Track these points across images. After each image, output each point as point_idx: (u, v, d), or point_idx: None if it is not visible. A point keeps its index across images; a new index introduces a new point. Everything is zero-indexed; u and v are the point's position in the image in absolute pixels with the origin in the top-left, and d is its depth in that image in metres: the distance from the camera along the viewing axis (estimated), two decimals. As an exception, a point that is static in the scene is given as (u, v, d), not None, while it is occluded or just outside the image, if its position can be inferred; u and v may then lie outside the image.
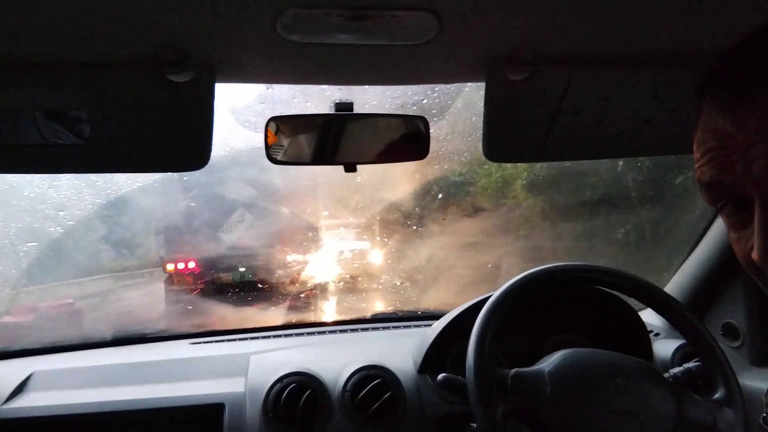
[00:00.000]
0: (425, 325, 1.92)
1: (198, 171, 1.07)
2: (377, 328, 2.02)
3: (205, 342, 1.94)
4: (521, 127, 1.09)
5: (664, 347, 1.70)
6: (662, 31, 0.92)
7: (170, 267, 8.86)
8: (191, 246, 8.73)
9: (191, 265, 8.86)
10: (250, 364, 1.66)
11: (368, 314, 2.23)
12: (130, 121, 0.98)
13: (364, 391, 1.51)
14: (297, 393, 1.50)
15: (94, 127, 0.96)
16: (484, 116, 1.04)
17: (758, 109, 0.54)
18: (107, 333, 2.09)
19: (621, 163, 4.74)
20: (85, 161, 1.04)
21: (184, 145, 1.03)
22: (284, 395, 1.49)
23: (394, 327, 2.02)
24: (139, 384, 1.64)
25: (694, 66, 0.99)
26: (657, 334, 1.81)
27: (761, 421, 0.89)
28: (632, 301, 1.63)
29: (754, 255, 0.55)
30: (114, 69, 0.91)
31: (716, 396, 1.27)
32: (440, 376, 1.34)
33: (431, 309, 2.32)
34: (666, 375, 1.37)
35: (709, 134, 0.59)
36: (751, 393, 1.45)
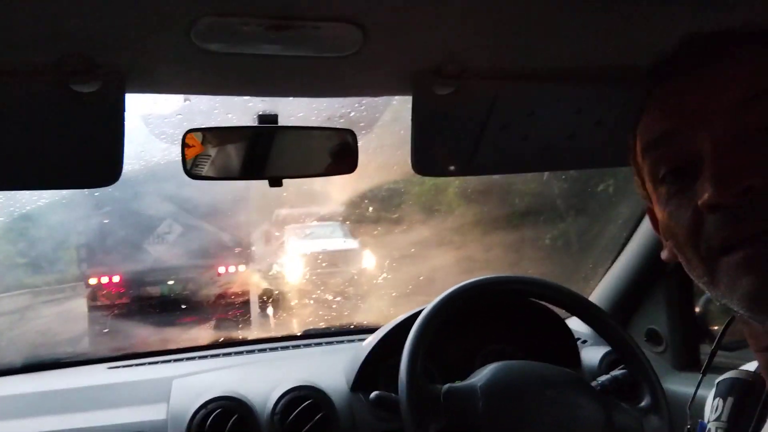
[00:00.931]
0: (358, 341, 1.89)
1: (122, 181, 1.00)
2: (309, 345, 1.96)
3: (124, 366, 1.83)
4: (449, 140, 1.08)
5: (592, 354, 1.74)
6: (585, 49, 0.93)
7: (93, 281, 8.44)
8: (116, 258, 8.35)
9: (115, 279, 8.48)
10: (172, 388, 1.58)
11: (298, 330, 2.18)
12: (32, 135, 0.90)
13: (294, 414, 1.46)
14: (222, 419, 1.43)
15: None
16: (412, 130, 1.03)
17: (712, 79, 0.62)
18: (19, 357, 1.94)
19: (546, 173, 4.90)
20: None
21: (93, 159, 0.96)
22: (209, 422, 1.42)
23: (327, 343, 1.98)
24: (52, 414, 1.53)
25: (615, 83, 1.01)
26: (584, 342, 1.85)
27: None
28: (560, 310, 1.67)
29: (705, 197, 0.57)
30: (13, 78, 0.83)
31: (642, 404, 1.30)
32: (373, 394, 1.31)
33: (364, 323, 2.29)
34: (594, 383, 1.40)
35: (665, 99, 0.66)
36: (676, 397, 1.50)
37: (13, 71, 0.82)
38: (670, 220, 0.65)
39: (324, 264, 7.74)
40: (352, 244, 7.94)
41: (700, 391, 0.89)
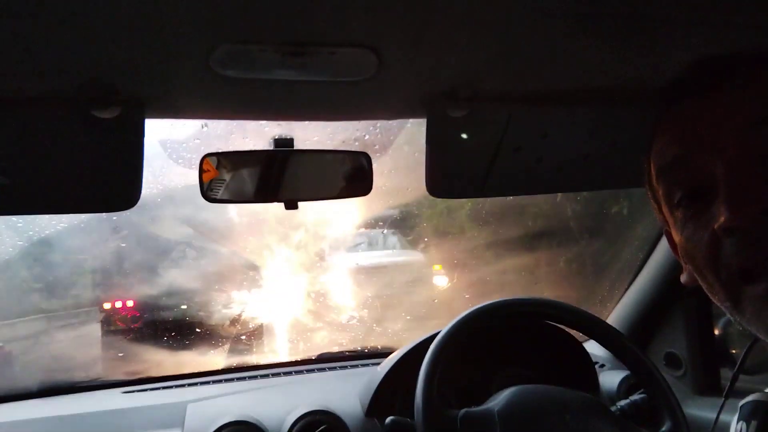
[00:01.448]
0: (373, 365, 1.87)
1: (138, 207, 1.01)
2: (323, 369, 1.95)
3: (139, 390, 1.83)
4: (463, 163, 1.08)
5: (610, 378, 1.71)
6: (598, 70, 0.93)
7: (107, 306, 8.49)
8: (130, 283, 8.39)
9: (129, 304, 8.51)
10: (186, 413, 1.57)
11: (313, 355, 2.17)
12: (53, 160, 0.92)
13: None
14: None
15: (14, 166, 0.90)
16: (426, 153, 1.03)
17: (723, 102, 0.62)
18: (36, 380, 1.95)
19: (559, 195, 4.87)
20: (6, 203, 0.98)
21: (112, 184, 0.97)
22: None
23: (341, 367, 1.96)
24: None
25: (629, 104, 1.01)
26: (602, 366, 1.82)
27: None
28: (577, 333, 1.65)
29: (721, 221, 0.57)
30: (35, 105, 0.85)
31: (663, 429, 1.27)
32: (388, 420, 1.30)
33: (379, 347, 2.27)
34: (613, 408, 1.37)
35: (676, 123, 0.66)
36: (696, 422, 1.47)
37: (35, 98, 0.84)
38: (688, 243, 0.64)
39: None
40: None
41: (722, 416, 0.88)
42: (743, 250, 0.57)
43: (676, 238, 0.68)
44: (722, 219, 0.57)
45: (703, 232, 0.62)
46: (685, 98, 0.66)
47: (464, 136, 1.03)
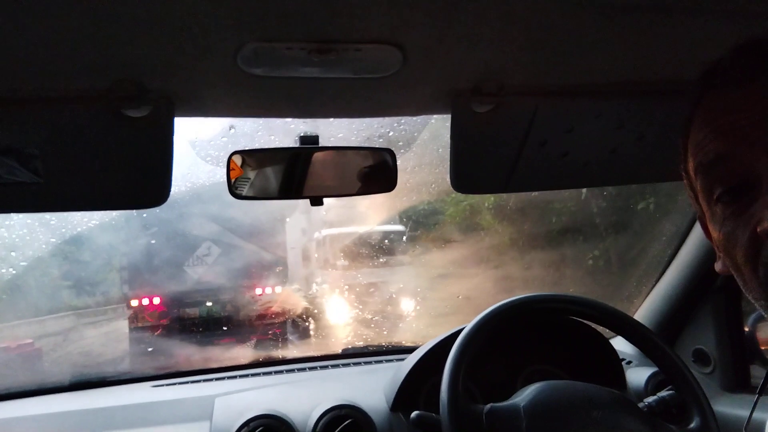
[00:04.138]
0: (397, 360, 1.88)
1: (158, 207, 1.03)
2: (347, 365, 1.96)
3: (167, 384, 1.86)
4: (488, 158, 1.08)
5: (637, 375, 1.69)
6: (625, 63, 0.92)
7: (134, 303, 8.63)
8: (156, 280, 8.55)
9: (156, 301, 8.65)
10: (215, 407, 1.59)
11: (338, 350, 2.18)
12: (85, 158, 0.94)
13: None
14: None
15: (47, 164, 0.92)
16: (451, 148, 1.03)
17: (764, 95, 0.59)
18: (66, 375, 1.99)
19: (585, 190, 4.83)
20: (40, 200, 1.00)
21: (143, 181, 0.99)
22: None
23: (365, 363, 1.97)
24: (98, 431, 1.56)
25: (657, 97, 1.00)
26: (629, 362, 1.80)
27: None
28: (604, 329, 1.63)
29: (765, 225, 0.56)
30: (68, 104, 0.87)
31: (692, 425, 1.25)
32: (414, 414, 1.30)
33: (403, 343, 2.28)
34: (640, 404, 1.36)
35: (716, 114, 0.62)
36: (725, 419, 1.45)
37: (68, 97, 0.86)
38: (727, 241, 0.63)
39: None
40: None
41: (755, 414, 0.86)
42: None
43: (714, 232, 0.66)
44: (765, 224, 0.56)
45: (744, 231, 0.60)
46: (725, 86, 0.63)
47: (489, 131, 1.03)
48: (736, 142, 0.60)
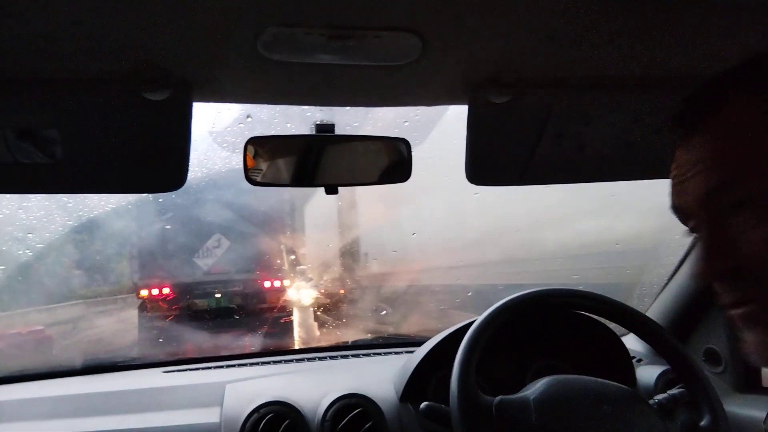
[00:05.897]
0: (407, 352, 1.88)
1: (174, 192, 1.04)
2: (357, 355, 1.97)
3: (178, 370, 1.87)
4: (504, 150, 1.08)
5: (647, 373, 1.68)
6: (642, 57, 0.92)
7: (144, 293, 8.68)
8: (166, 271, 8.61)
9: (165, 290, 8.71)
10: (225, 393, 1.60)
11: (348, 340, 2.19)
12: (104, 141, 0.95)
13: (344, 421, 1.47)
14: (275, 423, 1.44)
15: (66, 146, 0.93)
16: (467, 139, 1.03)
17: (700, 139, 0.59)
18: (77, 361, 2.02)
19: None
20: (58, 181, 1.01)
21: (161, 165, 1.00)
22: (261, 426, 1.44)
23: (375, 354, 1.98)
24: (110, 414, 1.57)
25: (674, 91, 0.99)
26: (639, 360, 1.79)
27: None
28: (614, 326, 1.62)
29: None
30: (88, 86, 0.88)
31: (702, 423, 1.25)
32: (423, 405, 1.30)
33: (413, 334, 2.28)
34: (651, 402, 1.35)
35: (675, 162, 0.64)
36: (736, 420, 1.44)
37: (89, 79, 0.87)
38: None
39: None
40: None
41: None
42: None
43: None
44: None
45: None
46: (686, 107, 0.63)
47: (505, 122, 1.03)
48: (680, 196, 0.63)
